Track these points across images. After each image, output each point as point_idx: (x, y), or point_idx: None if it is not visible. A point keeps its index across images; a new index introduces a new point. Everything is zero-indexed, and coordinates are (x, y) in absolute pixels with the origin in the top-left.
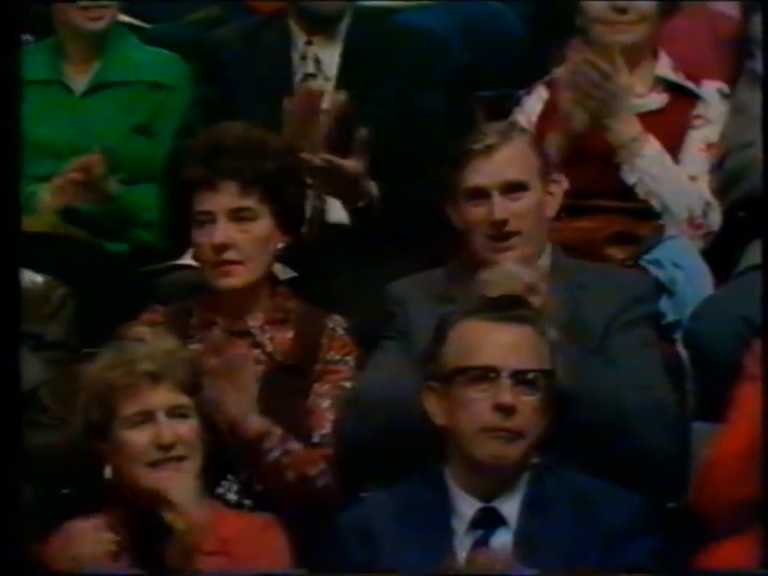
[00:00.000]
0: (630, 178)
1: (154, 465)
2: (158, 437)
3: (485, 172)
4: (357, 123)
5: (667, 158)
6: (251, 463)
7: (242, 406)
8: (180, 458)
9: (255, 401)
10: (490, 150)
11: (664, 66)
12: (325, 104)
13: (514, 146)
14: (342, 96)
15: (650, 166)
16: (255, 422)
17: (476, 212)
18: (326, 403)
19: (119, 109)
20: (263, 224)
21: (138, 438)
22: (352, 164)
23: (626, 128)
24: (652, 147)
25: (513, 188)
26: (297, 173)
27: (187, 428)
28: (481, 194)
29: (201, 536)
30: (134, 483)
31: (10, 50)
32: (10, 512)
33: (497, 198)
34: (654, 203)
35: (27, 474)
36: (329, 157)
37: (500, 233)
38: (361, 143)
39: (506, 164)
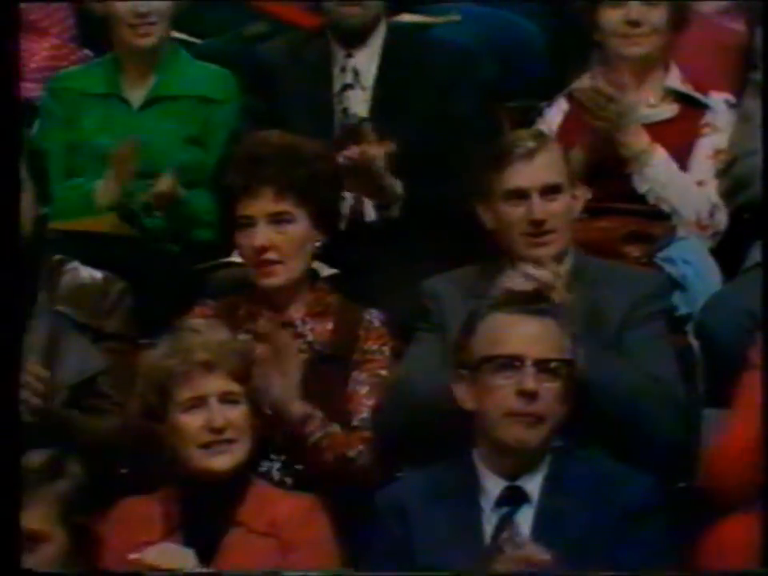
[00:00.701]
0: (641, 187)
1: (205, 446)
2: (210, 420)
3: (525, 174)
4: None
5: (674, 167)
6: (294, 444)
7: (287, 391)
8: (230, 441)
9: (298, 386)
10: (530, 154)
11: (674, 78)
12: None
13: (551, 152)
14: (390, 147)
15: (658, 174)
16: (298, 407)
17: (515, 211)
18: (363, 390)
19: (173, 121)
20: (300, 226)
21: (192, 421)
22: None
23: (636, 141)
24: (660, 157)
25: (550, 190)
26: (330, 176)
27: (237, 413)
28: (521, 195)
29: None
30: (187, 463)
31: (10, 49)
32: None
33: (536, 198)
34: (664, 207)
35: (85, 455)
36: (358, 150)
37: (538, 231)
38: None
39: (544, 167)
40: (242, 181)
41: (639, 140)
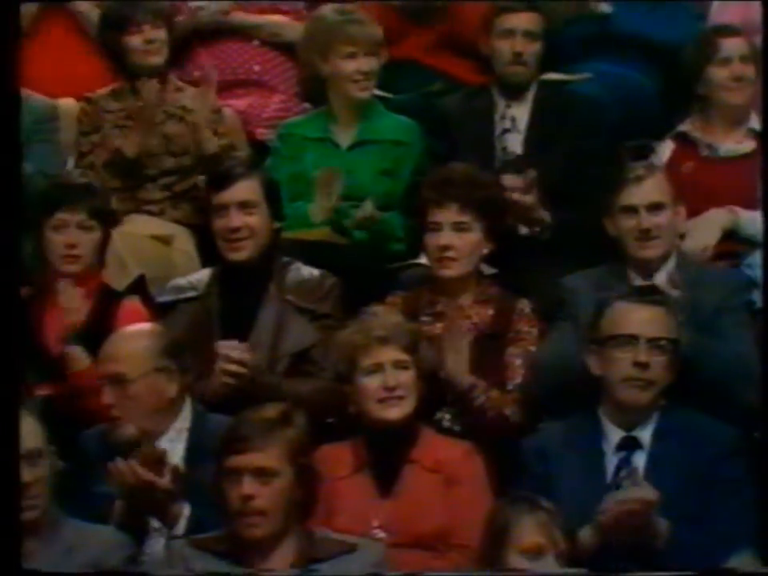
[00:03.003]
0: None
1: (381, 401)
2: (385, 381)
3: (636, 195)
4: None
5: (749, 216)
6: (462, 405)
7: (458, 363)
8: (400, 397)
9: (467, 360)
10: (639, 179)
11: (754, 120)
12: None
13: (657, 178)
14: (533, 174)
15: (747, 224)
16: (466, 378)
17: (629, 223)
18: (517, 361)
19: (372, 159)
20: (475, 235)
21: (371, 382)
22: (528, 199)
23: (738, 222)
24: (744, 215)
25: (655, 207)
26: (500, 201)
27: (406, 376)
28: (632, 210)
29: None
30: (368, 415)
31: (11, 52)
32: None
33: (644, 213)
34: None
35: (299, 410)
36: (515, 195)
37: (645, 237)
38: (532, 182)
39: (650, 189)
40: (435, 196)
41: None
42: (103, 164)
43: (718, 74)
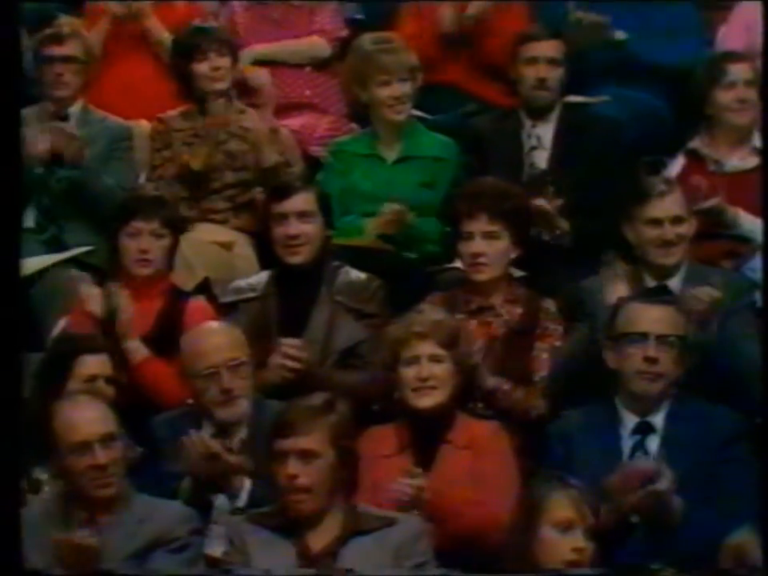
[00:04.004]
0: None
1: (415, 390)
2: (420, 373)
3: (661, 209)
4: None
5: (751, 218)
6: (488, 402)
7: (481, 368)
8: (432, 388)
9: (485, 366)
10: (662, 194)
11: (757, 139)
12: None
13: (676, 193)
14: (559, 203)
15: (744, 225)
16: (490, 380)
17: (653, 233)
18: (543, 355)
19: (414, 172)
20: (504, 242)
21: (408, 372)
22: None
23: (735, 218)
24: (745, 217)
25: (677, 219)
26: (526, 212)
27: (440, 369)
28: (656, 223)
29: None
30: (404, 402)
31: (11, 54)
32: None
33: (667, 225)
34: (751, 236)
35: (341, 399)
36: (541, 206)
37: (666, 246)
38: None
39: (673, 203)
40: (466, 208)
41: (735, 217)
42: (173, 176)
43: (724, 96)
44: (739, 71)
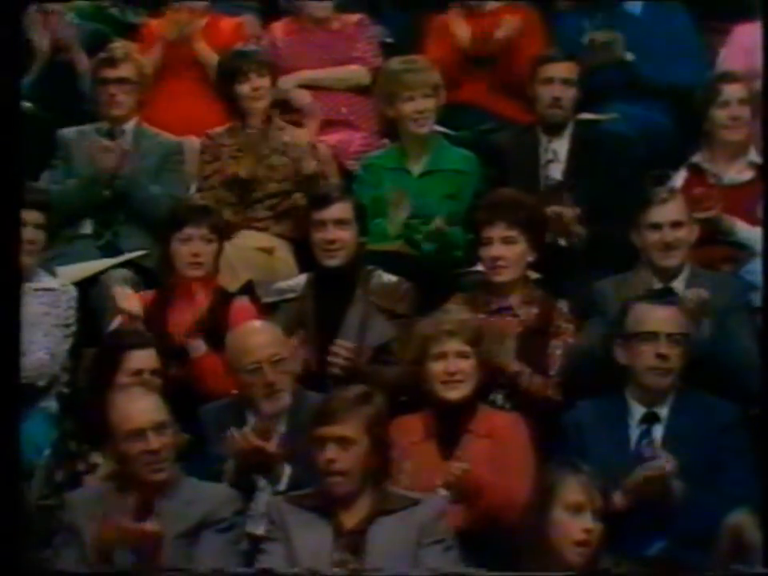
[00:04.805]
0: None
1: (443, 383)
2: (447, 367)
3: (661, 214)
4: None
5: (747, 227)
6: (510, 387)
7: (506, 355)
8: (459, 381)
9: (513, 351)
10: (664, 201)
11: (753, 154)
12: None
13: (677, 200)
14: (576, 211)
15: (740, 233)
16: (513, 365)
17: (654, 236)
18: (557, 351)
19: (439, 184)
20: (520, 247)
21: (437, 367)
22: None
23: (731, 227)
24: (741, 226)
25: (676, 224)
26: (541, 219)
27: (466, 364)
28: (657, 227)
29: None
30: (433, 394)
31: (11, 54)
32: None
33: (667, 229)
34: (748, 243)
35: (376, 391)
36: (555, 215)
37: (666, 249)
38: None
39: (673, 210)
40: (486, 216)
41: (733, 227)
42: (221, 184)
43: (719, 114)
44: (733, 91)
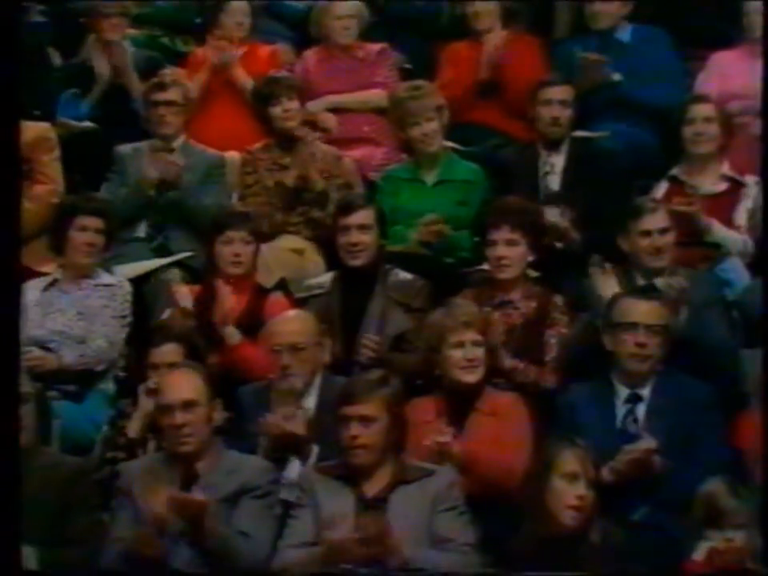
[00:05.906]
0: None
1: (462, 368)
2: (465, 355)
3: (651, 222)
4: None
5: (723, 228)
6: (509, 376)
7: (500, 354)
8: (475, 366)
9: (504, 352)
10: (653, 210)
11: (725, 167)
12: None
13: (663, 210)
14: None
15: (716, 234)
16: (508, 362)
17: (644, 242)
18: (553, 341)
19: (450, 193)
20: (521, 248)
21: (456, 354)
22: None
23: (711, 229)
24: (718, 228)
25: (664, 231)
26: (540, 224)
27: (480, 352)
28: (647, 234)
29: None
30: (451, 378)
31: (10, 53)
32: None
33: (656, 235)
34: (724, 243)
35: (395, 375)
36: (553, 220)
37: (656, 252)
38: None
39: (660, 218)
40: (492, 220)
41: (717, 231)
42: (265, 191)
43: (686, 130)
44: (699, 110)
